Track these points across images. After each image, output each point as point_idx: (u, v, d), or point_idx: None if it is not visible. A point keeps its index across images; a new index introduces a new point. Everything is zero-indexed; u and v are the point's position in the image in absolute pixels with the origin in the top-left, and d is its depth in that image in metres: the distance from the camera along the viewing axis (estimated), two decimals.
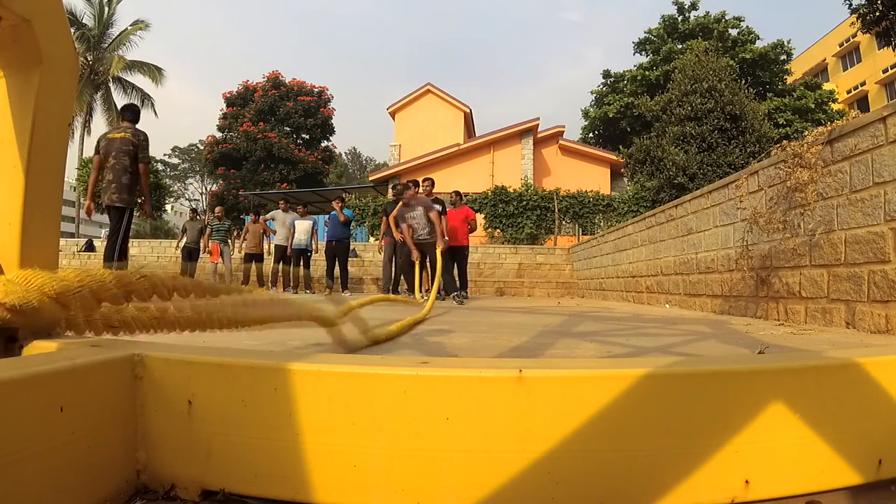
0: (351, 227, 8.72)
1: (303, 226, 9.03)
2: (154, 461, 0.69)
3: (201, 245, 9.74)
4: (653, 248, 6.26)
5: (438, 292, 6.07)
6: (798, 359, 0.76)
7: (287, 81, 24.72)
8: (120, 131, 5.07)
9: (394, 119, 21.75)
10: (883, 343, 2.19)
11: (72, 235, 23.21)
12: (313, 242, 9.10)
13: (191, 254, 9.76)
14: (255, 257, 9.62)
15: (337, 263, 8.53)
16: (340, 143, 68.37)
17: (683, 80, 13.61)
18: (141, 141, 5.03)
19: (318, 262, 9.64)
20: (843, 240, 2.87)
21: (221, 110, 24.41)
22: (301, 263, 9.12)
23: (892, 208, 2.51)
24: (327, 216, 9.35)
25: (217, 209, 10.66)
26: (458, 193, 7.41)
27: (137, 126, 5.20)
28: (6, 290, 0.74)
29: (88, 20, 24.38)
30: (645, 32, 25.87)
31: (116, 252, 4.98)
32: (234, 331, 1.08)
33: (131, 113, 5.28)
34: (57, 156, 0.96)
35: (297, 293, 8.79)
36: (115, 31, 25.04)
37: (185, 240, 9.73)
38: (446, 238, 6.08)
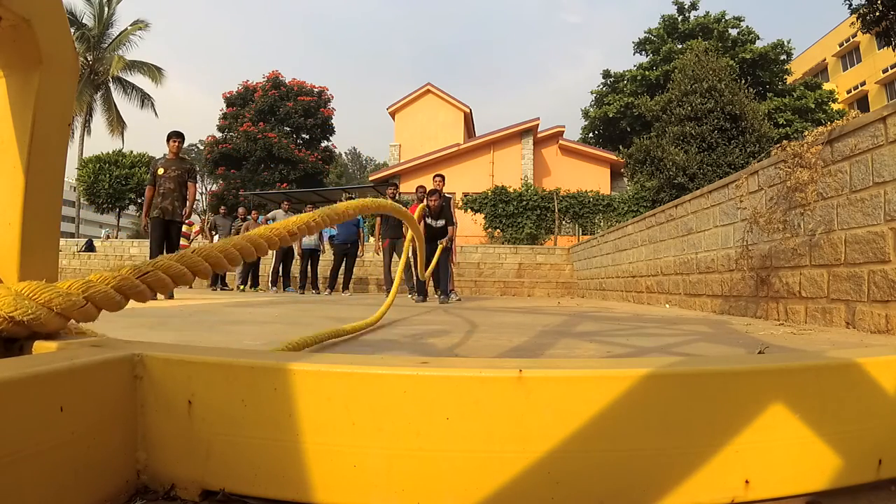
0: (362, 225, 8.74)
1: None
2: (154, 461, 0.69)
3: None
4: (653, 248, 6.26)
5: (411, 292, 6.22)
6: (798, 359, 0.76)
7: (287, 81, 24.70)
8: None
9: (394, 119, 21.75)
10: (883, 343, 2.19)
11: (72, 235, 23.22)
12: (322, 243, 9.10)
13: None
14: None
15: (343, 264, 8.54)
16: (340, 143, 68.43)
17: (683, 80, 13.61)
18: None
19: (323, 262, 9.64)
20: (843, 240, 2.87)
21: (221, 110, 24.40)
22: (309, 263, 9.11)
23: (892, 208, 2.51)
24: None
25: (240, 210, 10.65)
26: (422, 188, 7.52)
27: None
28: (15, 303, 0.75)
29: (88, 20, 24.38)
30: (645, 32, 25.88)
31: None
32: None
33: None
34: (57, 156, 0.96)
35: (302, 293, 8.79)
36: (115, 31, 25.05)
37: (216, 239, 9.33)
38: (451, 242, 6.22)
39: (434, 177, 6.98)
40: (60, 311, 0.78)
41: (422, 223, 6.21)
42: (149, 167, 18.94)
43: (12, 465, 0.53)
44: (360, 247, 8.67)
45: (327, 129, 25.41)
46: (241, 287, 9.54)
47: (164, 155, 5.85)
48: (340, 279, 8.78)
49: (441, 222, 6.19)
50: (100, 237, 19.46)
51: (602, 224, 14.70)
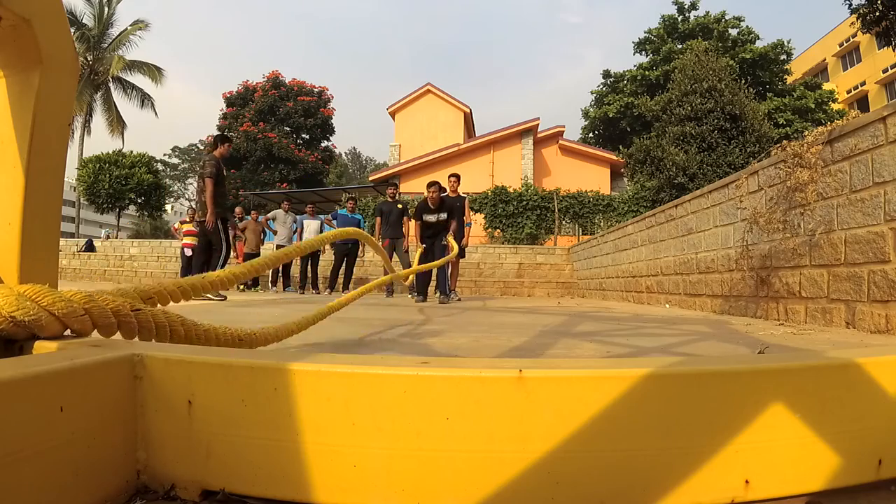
0: (362, 224, 8.77)
1: (312, 225, 9.04)
2: (154, 461, 0.69)
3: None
4: (653, 248, 6.26)
5: (411, 292, 6.16)
6: (798, 359, 0.76)
7: (287, 81, 24.73)
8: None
9: (394, 119, 21.75)
10: (883, 343, 2.19)
11: (72, 235, 23.22)
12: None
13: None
14: (254, 258, 9.55)
15: (344, 264, 8.55)
16: (340, 143, 68.49)
17: (683, 80, 13.62)
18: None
19: (323, 261, 9.64)
20: (843, 240, 2.87)
21: (221, 110, 24.44)
22: (309, 263, 9.10)
23: (892, 208, 2.51)
24: (328, 215, 9.37)
25: (237, 209, 10.62)
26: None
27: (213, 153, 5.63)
28: (17, 303, 0.75)
29: (88, 20, 24.39)
30: (645, 32, 25.91)
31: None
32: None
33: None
34: (57, 156, 0.96)
35: (303, 293, 8.79)
36: (115, 31, 25.06)
37: None
38: (455, 244, 6.03)
39: (449, 177, 6.98)
40: (61, 316, 0.78)
41: (419, 220, 6.16)
42: (149, 166, 19.02)
43: (12, 465, 0.53)
44: (360, 247, 8.67)
45: (327, 129, 25.44)
46: (241, 287, 9.54)
47: (212, 153, 5.59)
48: (340, 279, 8.79)
49: (443, 216, 6.09)
50: (100, 237, 19.45)
51: (602, 224, 14.69)
